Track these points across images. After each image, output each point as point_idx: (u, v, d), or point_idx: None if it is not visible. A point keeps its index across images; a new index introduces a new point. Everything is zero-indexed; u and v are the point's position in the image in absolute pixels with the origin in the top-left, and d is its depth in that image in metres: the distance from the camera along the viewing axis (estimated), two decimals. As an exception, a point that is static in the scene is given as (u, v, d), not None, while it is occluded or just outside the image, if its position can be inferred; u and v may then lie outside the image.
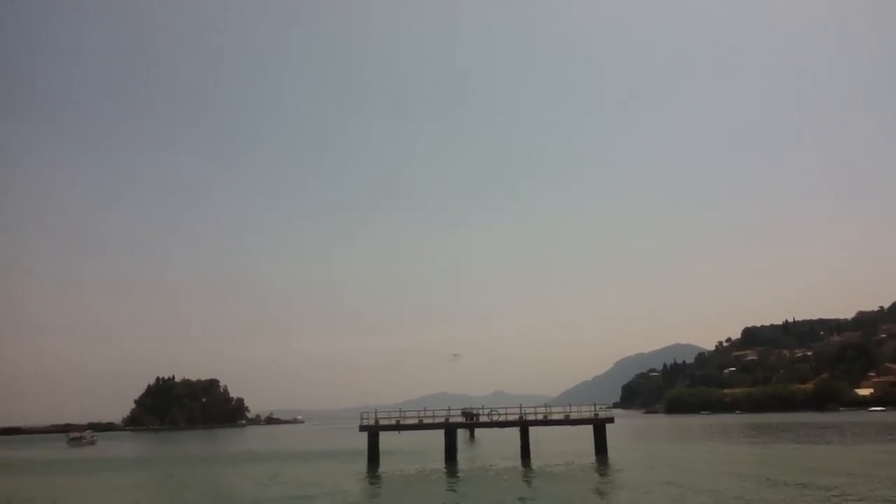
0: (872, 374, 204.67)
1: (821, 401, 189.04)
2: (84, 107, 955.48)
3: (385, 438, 57.21)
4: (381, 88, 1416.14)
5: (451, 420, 57.11)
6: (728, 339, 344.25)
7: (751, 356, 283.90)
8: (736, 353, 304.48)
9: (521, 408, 58.05)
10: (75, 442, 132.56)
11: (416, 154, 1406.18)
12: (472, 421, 62.43)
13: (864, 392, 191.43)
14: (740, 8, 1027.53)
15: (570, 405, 59.70)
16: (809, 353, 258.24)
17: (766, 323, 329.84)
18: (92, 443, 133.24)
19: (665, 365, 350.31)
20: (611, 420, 57.67)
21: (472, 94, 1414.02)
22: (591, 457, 54.03)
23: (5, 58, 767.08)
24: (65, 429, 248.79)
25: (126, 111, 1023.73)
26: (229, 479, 49.11)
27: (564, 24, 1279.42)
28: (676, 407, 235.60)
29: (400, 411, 57.94)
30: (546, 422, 57.76)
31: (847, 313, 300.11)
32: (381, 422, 56.17)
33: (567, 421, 57.60)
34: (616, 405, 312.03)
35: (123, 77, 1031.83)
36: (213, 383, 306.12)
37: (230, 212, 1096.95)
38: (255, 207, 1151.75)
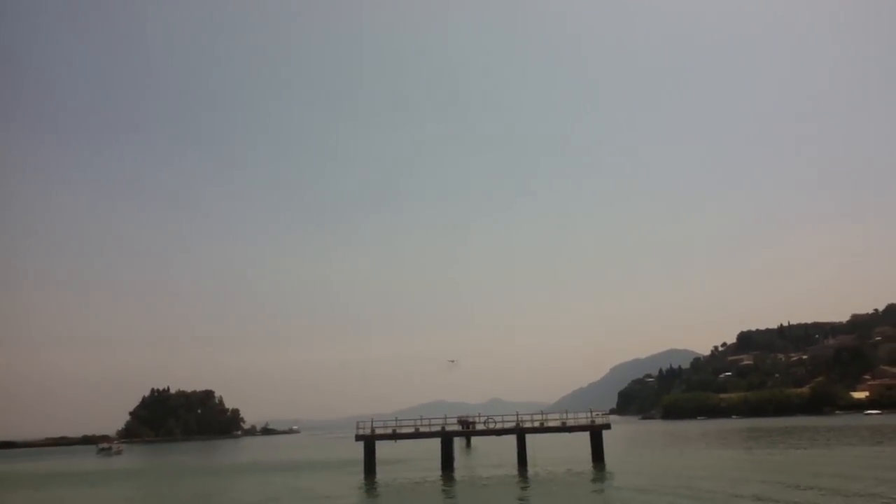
0: (868, 377, 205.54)
1: (817, 404, 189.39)
2: (80, 117, 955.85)
3: (382, 448, 57.11)
4: (379, 91, 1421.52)
5: (448, 428, 57.07)
6: (723, 344, 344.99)
7: (746, 361, 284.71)
8: (731, 358, 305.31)
9: (517, 415, 58.08)
10: (104, 452, 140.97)
11: (414, 160, 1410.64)
12: (468, 429, 62.33)
13: (860, 395, 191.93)
14: (737, 8, 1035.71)
15: (566, 412, 59.84)
16: (805, 357, 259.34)
17: (762, 327, 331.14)
18: (119, 453, 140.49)
19: (661, 370, 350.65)
20: (607, 426, 57.78)
21: (471, 96, 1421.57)
22: (588, 463, 54.05)
23: (10, 68, 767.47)
24: (59, 442, 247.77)
25: (121, 120, 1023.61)
26: (237, 491, 49.33)
27: (562, 26, 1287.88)
28: (672, 413, 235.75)
29: (396, 420, 57.90)
30: (542, 429, 57.87)
31: (841, 317, 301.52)
32: (378, 431, 56.04)
33: (563, 428, 57.85)
34: (612, 411, 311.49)
35: (119, 84, 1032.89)
36: (208, 394, 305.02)
37: (226, 221, 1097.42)
38: (251, 217, 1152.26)
